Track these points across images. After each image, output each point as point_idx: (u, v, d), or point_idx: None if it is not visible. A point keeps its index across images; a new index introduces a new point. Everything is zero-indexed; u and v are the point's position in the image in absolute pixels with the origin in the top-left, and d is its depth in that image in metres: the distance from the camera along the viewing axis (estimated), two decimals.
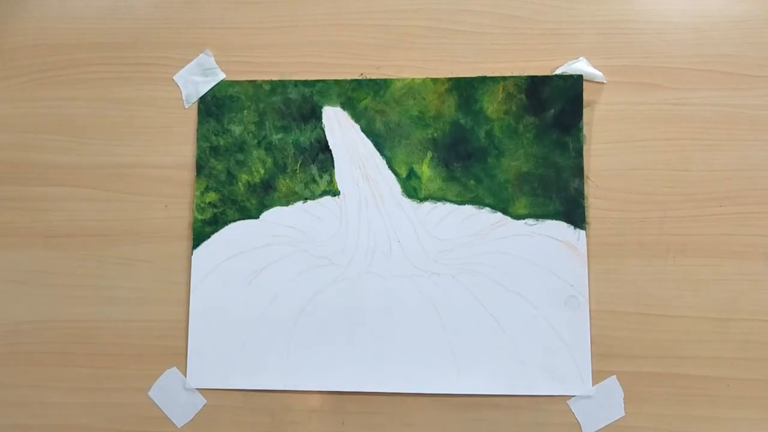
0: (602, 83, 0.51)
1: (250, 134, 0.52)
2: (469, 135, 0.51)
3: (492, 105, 0.51)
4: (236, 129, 0.52)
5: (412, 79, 0.52)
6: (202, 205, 0.51)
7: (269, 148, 0.52)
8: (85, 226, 0.52)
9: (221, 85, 0.53)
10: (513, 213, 0.50)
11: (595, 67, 0.51)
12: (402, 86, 0.52)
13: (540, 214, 0.50)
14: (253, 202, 0.51)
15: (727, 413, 0.47)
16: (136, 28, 0.54)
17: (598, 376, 0.48)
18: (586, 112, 0.51)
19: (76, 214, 0.52)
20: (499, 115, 0.51)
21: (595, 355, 0.48)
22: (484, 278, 0.49)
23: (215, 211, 0.51)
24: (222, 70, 0.53)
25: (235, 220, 0.51)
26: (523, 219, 0.50)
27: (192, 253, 0.51)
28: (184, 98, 0.53)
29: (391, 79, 0.52)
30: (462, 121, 0.51)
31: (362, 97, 0.52)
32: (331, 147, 0.52)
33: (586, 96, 0.51)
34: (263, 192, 0.51)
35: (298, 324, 0.50)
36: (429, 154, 0.51)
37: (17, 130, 0.53)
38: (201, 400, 0.50)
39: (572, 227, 0.50)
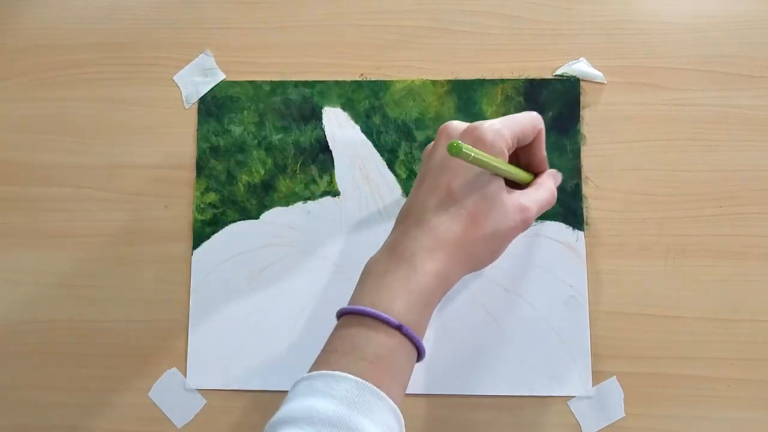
0: (602, 84, 0.51)
1: (250, 135, 0.52)
2: None
3: (491, 107, 0.51)
4: (236, 129, 0.52)
5: (412, 81, 0.52)
6: (202, 205, 0.51)
7: (269, 148, 0.52)
8: (85, 226, 0.52)
9: (221, 85, 0.53)
10: None
11: (595, 67, 0.51)
12: (402, 88, 0.52)
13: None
14: (253, 202, 0.51)
15: (727, 414, 0.47)
16: (136, 28, 0.54)
17: (598, 377, 0.48)
18: (586, 112, 0.51)
19: (76, 214, 0.52)
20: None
21: (595, 356, 0.48)
22: (484, 279, 0.49)
23: (215, 211, 0.51)
24: (222, 71, 0.53)
25: (235, 221, 0.51)
26: None
27: (192, 254, 0.51)
28: (184, 98, 0.53)
29: (391, 81, 0.52)
30: None
31: (362, 98, 0.52)
32: (331, 148, 0.52)
33: (586, 97, 0.51)
34: (263, 192, 0.51)
35: (298, 324, 0.50)
36: None
37: (17, 130, 0.53)
38: (201, 401, 0.50)
39: (571, 228, 0.50)
